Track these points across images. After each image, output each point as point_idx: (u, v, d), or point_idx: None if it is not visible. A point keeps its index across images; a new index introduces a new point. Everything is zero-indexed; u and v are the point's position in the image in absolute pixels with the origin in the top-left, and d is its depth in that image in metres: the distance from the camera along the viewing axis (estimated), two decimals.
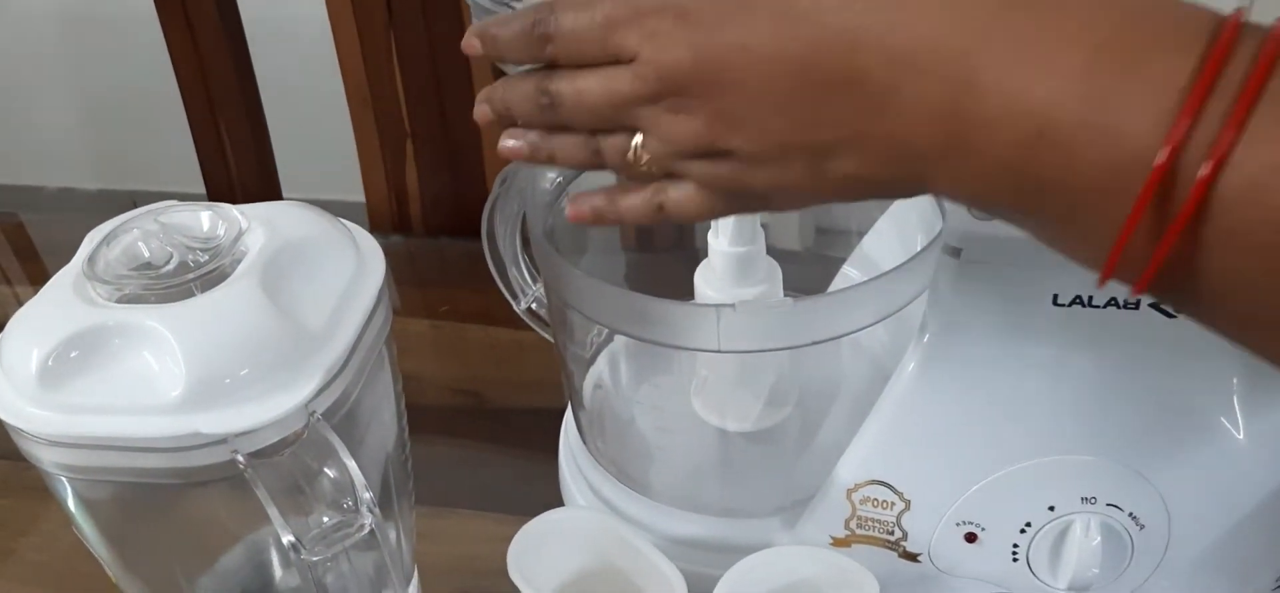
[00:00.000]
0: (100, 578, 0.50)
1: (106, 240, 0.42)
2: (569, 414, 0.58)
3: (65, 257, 0.43)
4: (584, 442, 0.55)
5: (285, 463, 0.39)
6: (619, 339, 0.59)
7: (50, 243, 0.95)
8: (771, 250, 0.50)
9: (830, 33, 0.30)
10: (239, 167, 0.92)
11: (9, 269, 0.92)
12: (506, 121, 0.38)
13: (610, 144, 0.36)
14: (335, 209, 0.48)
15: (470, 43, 0.37)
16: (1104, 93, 0.27)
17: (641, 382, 0.59)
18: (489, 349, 0.76)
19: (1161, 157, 0.26)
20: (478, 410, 0.72)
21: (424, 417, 0.57)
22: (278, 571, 0.53)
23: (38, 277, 0.86)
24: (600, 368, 0.58)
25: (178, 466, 0.39)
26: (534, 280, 0.57)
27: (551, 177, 0.51)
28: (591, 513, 0.52)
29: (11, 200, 1.09)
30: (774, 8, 0.31)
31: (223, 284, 0.40)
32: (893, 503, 0.47)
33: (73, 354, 0.38)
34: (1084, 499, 0.44)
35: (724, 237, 0.48)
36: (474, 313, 0.79)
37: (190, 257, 0.42)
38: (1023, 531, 0.45)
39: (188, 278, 0.40)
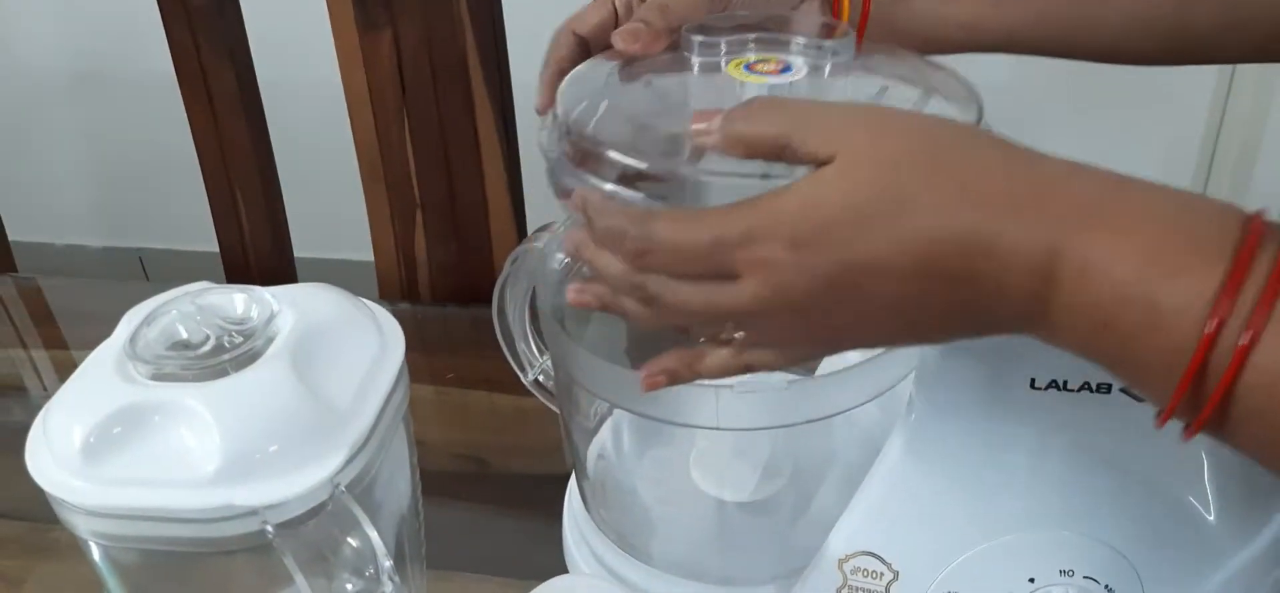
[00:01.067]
0: None
1: (146, 321, 0.45)
2: (573, 482, 0.61)
3: (80, 322, 0.46)
4: (587, 509, 0.58)
5: (311, 533, 0.42)
6: (621, 412, 0.61)
7: (65, 308, 0.98)
8: None
9: (944, 242, 0.34)
10: (253, 230, 0.95)
11: (25, 333, 0.95)
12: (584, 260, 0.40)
13: (703, 346, 0.39)
14: (345, 269, 0.50)
15: (576, 199, 0.39)
16: (1154, 291, 0.32)
17: (643, 453, 0.62)
18: (493, 416, 0.79)
19: (1196, 351, 0.31)
20: (482, 476, 0.74)
21: (429, 481, 0.59)
22: None
23: (52, 340, 0.89)
24: (603, 438, 0.61)
25: (210, 535, 0.41)
26: (541, 353, 0.59)
27: (560, 258, 0.54)
28: (595, 581, 0.55)
29: (20, 256, 1.12)
30: (888, 222, 0.34)
31: (255, 364, 0.43)
32: (882, 574, 0.49)
33: (116, 430, 0.41)
34: (1062, 572, 0.47)
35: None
36: (478, 380, 0.81)
37: (225, 337, 0.44)
38: None
39: (223, 358, 0.43)
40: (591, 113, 0.44)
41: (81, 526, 0.42)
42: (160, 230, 1.81)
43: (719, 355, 0.39)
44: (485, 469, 0.75)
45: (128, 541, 0.43)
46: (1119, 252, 0.33)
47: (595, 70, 0.49)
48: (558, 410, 0.60)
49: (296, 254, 1.00)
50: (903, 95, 0.46)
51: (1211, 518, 0.47)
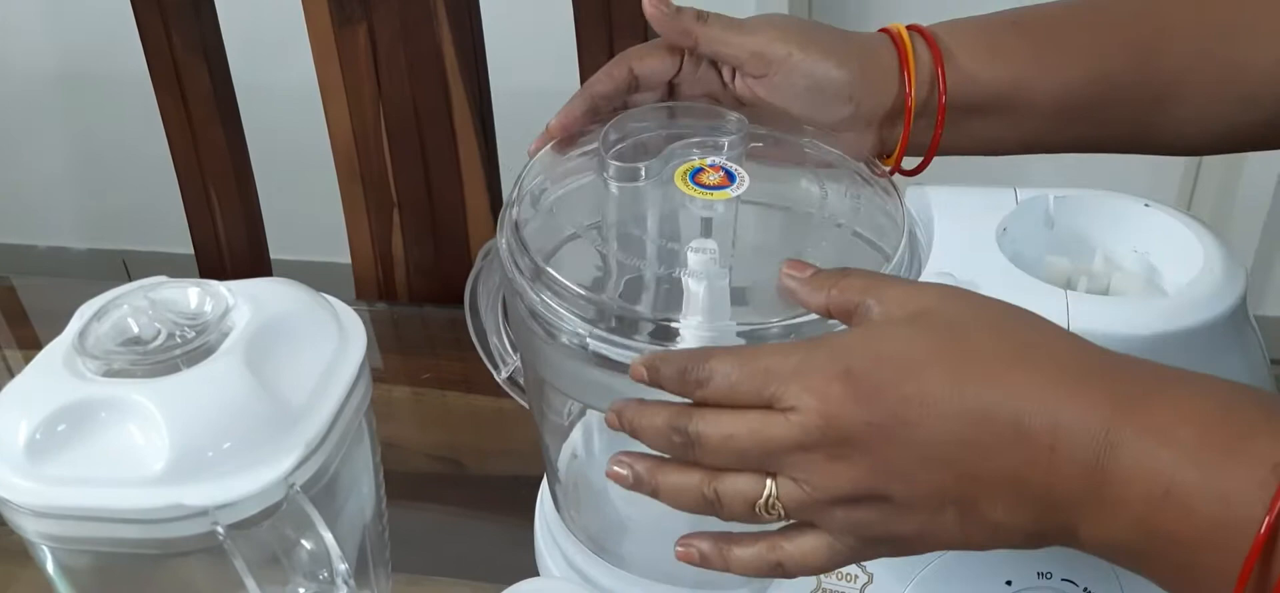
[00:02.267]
0: None
1: (97, 316, 0.44)
2: (545, 485, 0.60)
3: (56, 322, 0.45)
4: (559, 512, 0.57)
5: (264, 535, 0.40)
6: (593, 414, 0.60)
7: (40, 309, 0.96)
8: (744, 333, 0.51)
9: (998, 393, 0.34)
10: (228, 231, 0.94)
11: None
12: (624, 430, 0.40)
13: (733, 490, 0.37)
14: (321, 271, 0.49)
15: (638, 370, 0.39)
16: (1215, 466, 0.32)
17: (616, 450, 0.60)
18: (470, 417, 0.78)
19: (1263, 526, 0.31)
20: (457, 478, 0.73)
21: (404, 483, 0.58)
22: None
23: (28, 341, 0.87)
24: (575, 440, 0.59)
25: (159, 536, 0.40)
26: (514, 351, 0.58)
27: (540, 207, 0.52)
28: (565, 584, 0.53)
29: (2, 258, 1.10)
30: (947, 370, 0.34)
31: (208, 359, 0.42)
32: (856, 577, 0.48)
33: (60, 427, 0.40)
34: (1040, 574, 0.46)
35: (695, 317, 0.49)
36: (455, 380, 0.80)
37: (177, 332, 0.43)
38: None
39: (174, 353, 0.42)
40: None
41: (28, 527, 0.41)
42: (143, 232, 1.79)
43: (754, 549, 0.39)
44: (461, 471, 0.73)
45: (75, 542, 0.41)
46: (1171, 434, 0.33)
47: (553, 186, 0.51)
48: (528, 406, 0.59)
49: (273, 256, 0.98)
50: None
51: None
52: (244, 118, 0.93)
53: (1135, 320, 0.43)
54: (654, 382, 0.38)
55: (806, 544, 0.38)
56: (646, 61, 0.51)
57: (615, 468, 0.40)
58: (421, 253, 0.90)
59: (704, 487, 0.38)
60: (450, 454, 0.75)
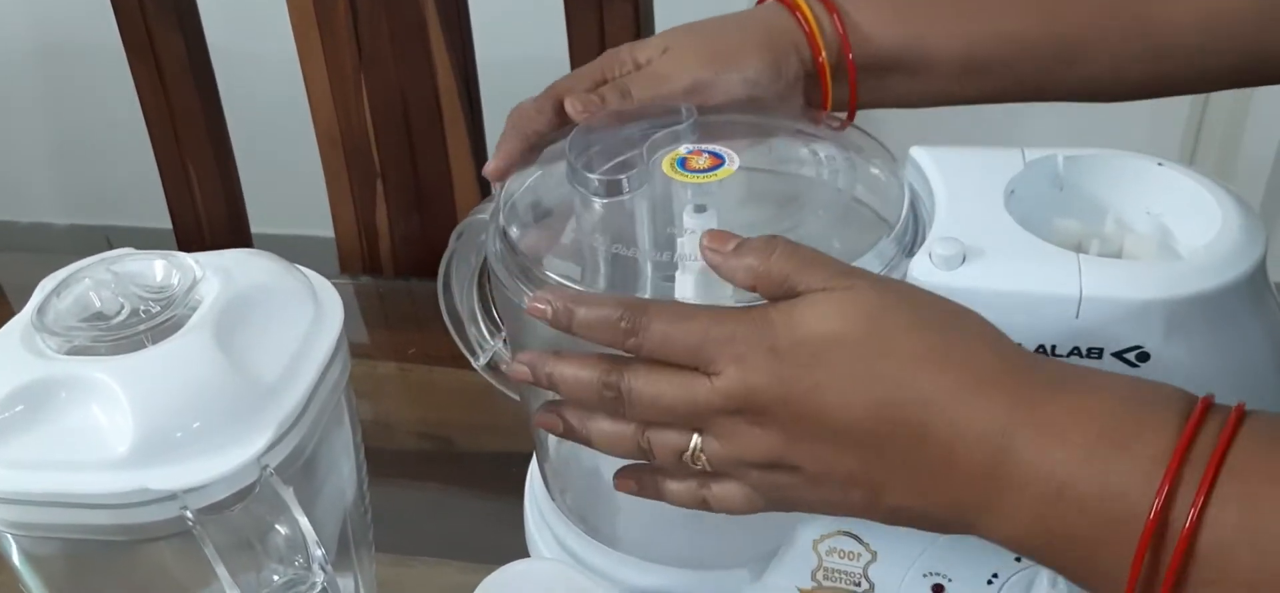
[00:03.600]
0: None
1: (57, 290, 0.41)
2: (534, 464, 0.58)
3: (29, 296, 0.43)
4: (549, 492, 0.55)
5: (236, 519, 0.38)
6: None
7: (18, 284, 0.94)
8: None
9: (906, 390, 0.36)
10: (207, 204, 0.91)
11: None
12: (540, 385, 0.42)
13: (663, 441, 0.40)
14: (304, 245, 0.47)
15: (540, 308, 0.40)
16: (1106, 463, 0.33)
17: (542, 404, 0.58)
18: (458, 393, 0.75)
19: (1151, 513, 0.32)
20: (445, 455, 0.71)
21: (391, 461, 0.56)
22: None
23: (4, 317, 0.85)
24: None
25: (125, 522, 0.38)
26: (492, 336, 0.56)
27: (517, 225, 0.51)
28: (556, 564, 0.52)
29: None
30: (858, 354, 0.36)
31: (175, 335, 0.40)
32: (859, 554, 0.46)
33: (18, 408, 0.38)
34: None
35: (690, 290, 0.47)
36: (443, 355, 0.77)
37: (143, 307, 0.41)
38: (990, 582, 0.45)
39: (139, 329, 0.40)
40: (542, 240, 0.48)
41: None
42: (126, 207, 1.77)
43: (686, 484, 0.41)
44: (448, 448, 0.71)
45: (37, 529, 0.39)
46: (1069, 426, 0.34)
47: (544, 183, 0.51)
48: (514, 395, 0.57)
49: (255, 230, 0.96)
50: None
51: None
52: (221, 87, 0.90)
53: (1149, 285, 0.41)
54: (567, 326, 0.40)
55: (728, 491, 0.40)
56: (573, 103, 0.51)
57: (544, 417, 0.43)
58: (406, 224, 0.87)
59: (638, 437, 0.40)
60: (437, 431, 0.73)
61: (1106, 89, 0.55)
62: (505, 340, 0.56)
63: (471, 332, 0.55)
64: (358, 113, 0.84)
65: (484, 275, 0.55)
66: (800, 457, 0.37)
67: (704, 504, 0.41)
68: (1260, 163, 1.29)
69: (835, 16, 0.53)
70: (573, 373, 0.40)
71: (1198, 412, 0.33)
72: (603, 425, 0.41)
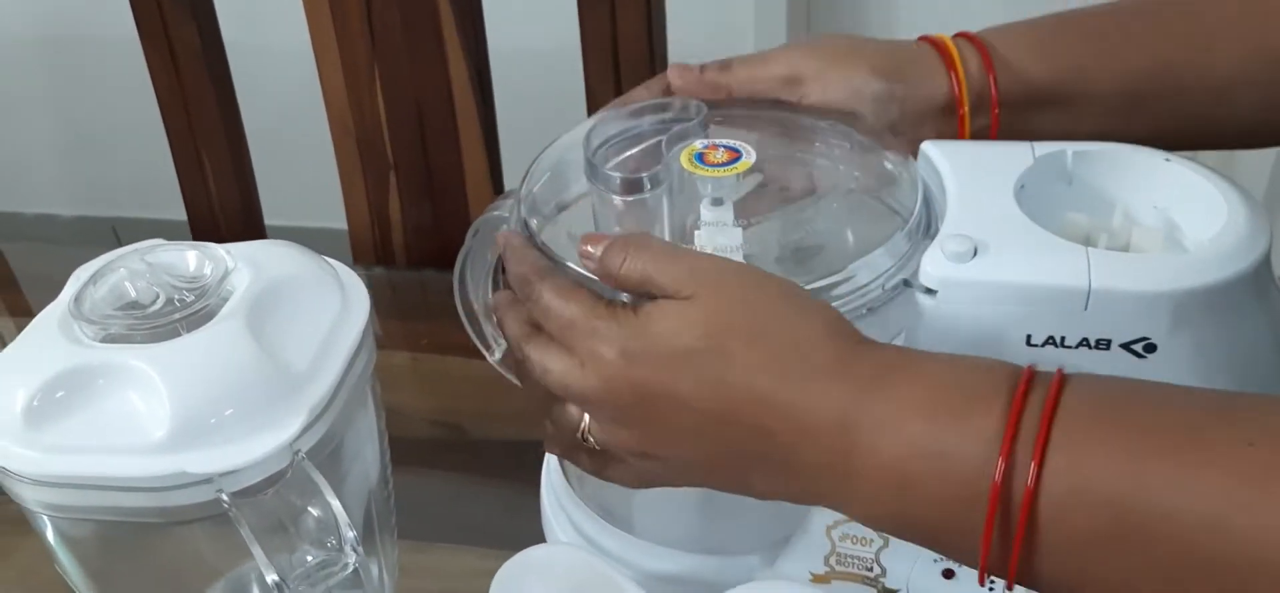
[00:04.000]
0: None
1: (92, 280, 0.42)
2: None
3: (45, 287, 0.44)
4: (566, 478, 0.56)
5: (269, 502, 0.39)
6: None
7: (30, 274, 0.95)
8: None
9: (745, 394, 0.37)
10: (221, 195, 0.92)
11: None
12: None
13: (558, 415, 0.43)
14: (317, 237, 0.48)
15: (503, 235, 0.46)
16: (943, 445, 0.35)
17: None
18: (471, 382, 0.76)
19: (991, 488, 0.34)
20: (459, 443, 0.72)
21: (405, 450, 0.57)
22: None
23: (18, 307, 0.86)
24: None
25: (162, 505, 0.39)
26: None
27: (535, 216, 0.52)
28: (573, 550, 0.53)
29: None
30: (700, 365, 0.38)
31: (208, 324, 0.41)
32: (871, 540, 0.47)
33: (59, 394, 0.39)
34: None
35: None
36: (456, 345, 0.78)
37: (176, 296, 0.42)
38: None
39: (173, 318, 0.41)
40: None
41: (27, 496, 0.40)
42: (134, 199, 1.77)
43: (585, 458, 0.44)
44: (462, 437, 0.73)
45: (76, 511, 0.40)
46: (906, 409, 0.36)
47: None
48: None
49: (268, 222, 0.97)
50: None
51: None
52: (236, 79, 0.91)
53: (1156, 278, 0.42)
54: (504, 264, 0.44)
55: (618, 470, 0.43)
56: (673, 70, 0.53)
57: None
58: (419, 215, 0.88)
59: (543, 409, 0.43)
60: (451, 420, 0.74)
61: (1260, 132, 0.54)
62: None
63: (486, 327, 0.57)
64: (371, 104, 0.85)
65: (499, 271, 0.56)
66: (660, 449, 0.40)
67: (606, 476, 0.43)
68: (1263, 157, 1.30)
69: (981, 51, 0.52)
70: (507, 322, 0.44)
71: (1023, 384, 0.35)
72: (524, 385, 0.44)
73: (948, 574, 0.47)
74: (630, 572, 0.50)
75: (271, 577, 0.38)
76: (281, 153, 1.11)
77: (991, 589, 0.47)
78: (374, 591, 0.42)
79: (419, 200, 0.88)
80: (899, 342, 0.46)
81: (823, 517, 0.48)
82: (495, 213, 0.53)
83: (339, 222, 0.91)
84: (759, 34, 1.32)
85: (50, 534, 0.43)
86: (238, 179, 0.92)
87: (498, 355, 0.58)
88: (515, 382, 0.59)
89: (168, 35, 0.87)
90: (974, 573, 0.47)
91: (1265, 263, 0.44)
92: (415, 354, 0.79)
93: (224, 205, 0.93)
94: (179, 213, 0.96)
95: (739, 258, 0.46)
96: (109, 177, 1.79)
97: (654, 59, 0.83)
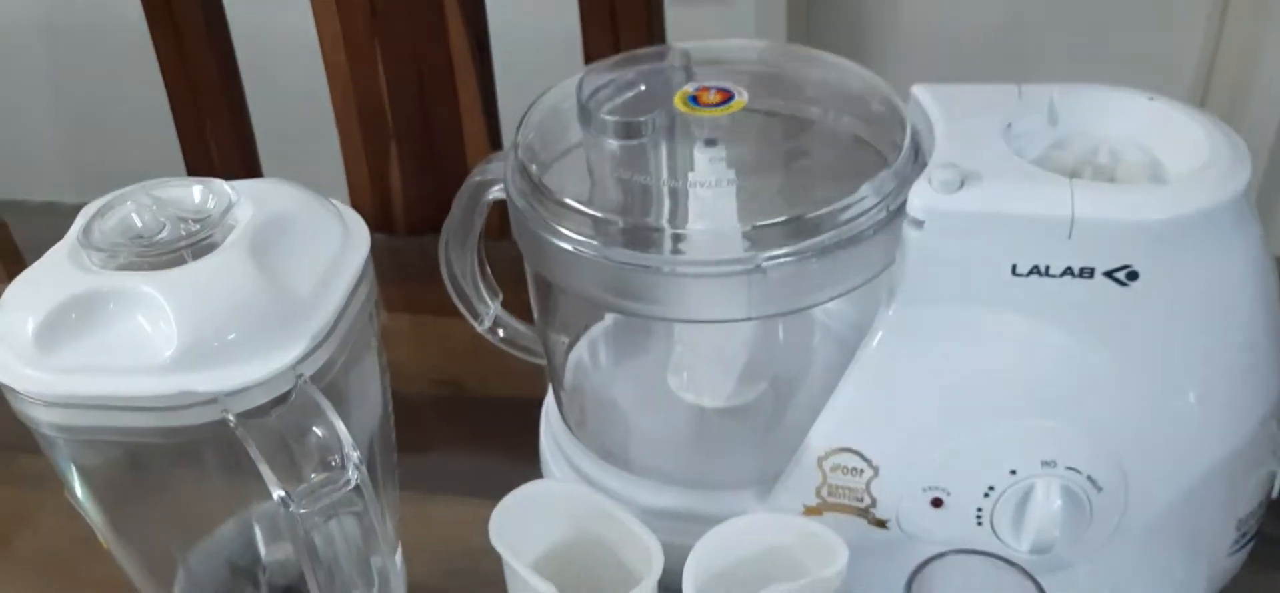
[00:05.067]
0: (99, 571, 0.51)
1: (100, 213, 0.44)
2: (549, 395, 0.60)
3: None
4: (565, 420, 0.57)
5: (274, 423, 0.41)
6: (599, 322, 0.60)
7: (37, 245, 0.96)
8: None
9: None
10: (224, 168, 0.93)
11: None
12: None
13: None
14: None
15: None
16: None
17: (620, 361, 0.61)
18: (473, 343, 0.77)
19: None
20: (460, 399, 0.73)
21: (408, 407, 0.58)
22: (264, 548, 0.54)
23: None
24: (580, 349, 0.60)
25: (170, 424, 0.40)
26: (493, 298, 0.59)
27: (527, 161, 0.52)
28: (571, 485, 0.54)
29: None
30: None
31: (213, 252, 0.42)
32: (862, 471, 0.48)
33: (71, 317, 0.40)
34: (1044, 463, 0.46)
35: (704, 222, 0.49)
36: (455, 309, 0.80)
37: (182, 227, 0.43)
38: (986, 495, 0.47)
39: (179, 246, 0.42)
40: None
41: (40, 417, 0.41)
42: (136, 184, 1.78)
43: None
44: (463, 394, 0.74)
45: (87, 432, 0.42)
46: None
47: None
48: (517, 353, 0.59)
49: None
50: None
51: (1197, 410, 0.47)
52: (238, 52, 0.92)
53: (1138, 207, 0.43)
54: None
55: None
56: None
57: None
58: (420, 184, 0.89)
59: None
60: (453, 379, 0.75)
61: None
62: (503, 301, 0.59)
63: (471, 295, 0.58)
64: (372, 75, 0.86)
65: (484, 239, 0.57)
66: None
67: None
68: (1267, 120, 1.31)
69: None
70: None
71: None
72: None
73: (936, 503, 0.48)
74: (627, 507, 0.51)
75: (277, 493, 0.39)
76: (285, 128, 1.12)
77: (981, 522, 0.48)
78: (376, 513, 0.42)
79: (420, 169, 0.89)
80: (884, 278, 0.47)
81: (815, 449, 0.49)
82: (477, 180, 0.54)
83: (340, 194, 0.92)
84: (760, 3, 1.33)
85: (67, 465, 0.44)
86: (241, 152, 0.93)
87: (486, 323, 0.59)
88: (503, 348, 0.61)
89: (173, 15, 0.88)
90: (963, 503, 0.48)
91: (1245, 196, 0.45)
92: (417, 317, 0.80)
93: (227, 173, 0.94)
94: None
95: (732, 193, 0.47)
96: (114, 163, 1.80)
97: (652, 31, 0.84)
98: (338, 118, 0.88)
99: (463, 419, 0.72)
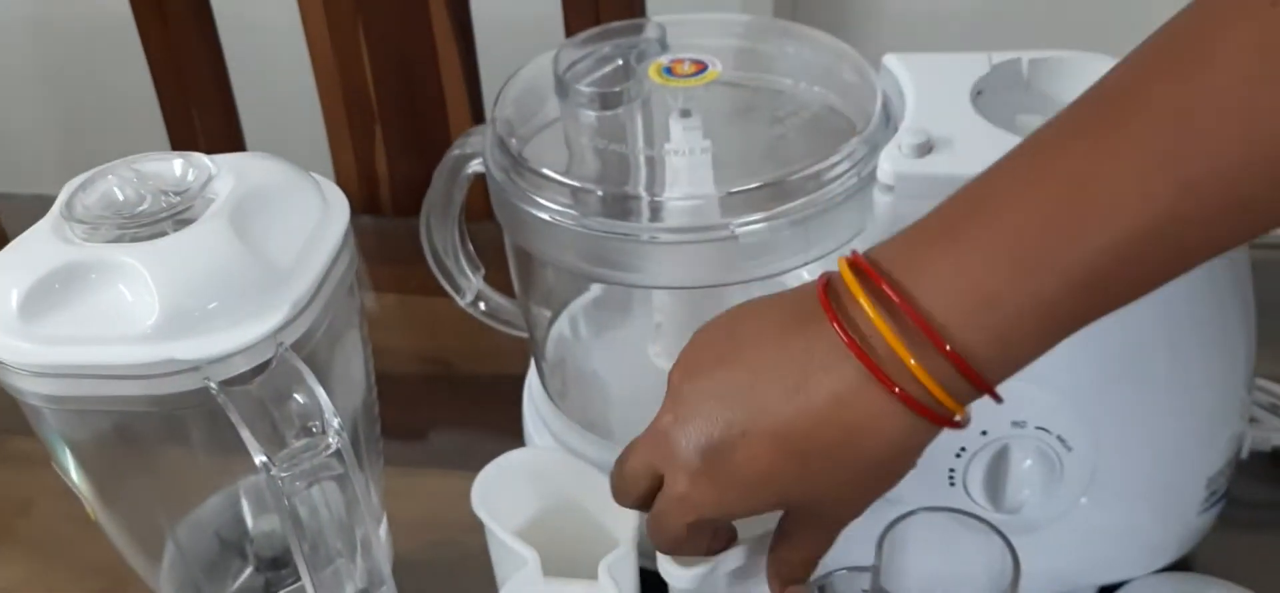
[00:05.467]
0: (95, 557, 0.51)
1: (82, 187, 0.44)
2: (531, 367, 0.60)
3: None
4: (547, 392, 0.58)
5: (255, 391, 0.41)
6: (580, 296, 0.61)
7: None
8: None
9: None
10: (210, 146, 0.94)
11: None
12: None
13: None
14: None
15: None
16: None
17: (601, 332, 0.61)
18: (458, 322, 0.78)
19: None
20: (447, 377, 0.74)
21: (395, 385, 0.59)
22: (251, 520, 0.55)
23: None
24: (561, 323, 0.60)
25: (154, 393, 0.41)
26: (474, 272, 0.59)
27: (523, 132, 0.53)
28: (553, 452, 0.55)
29: None
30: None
31: (193, 224, 0.43)
32: None
33: (55, 287, 0.41)
34: (1014, 423, 0.47)
35: (680, 188, 0.50)
36: (442, 288, 0.81)
37: (163, 200, 0.44)
38: (958, 455, 0.48)
39: (160, 218, 0.43)
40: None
41: (26, 388, 0.42)
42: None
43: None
44: (448, 371, 0.74)
45: (72, 402, 0.42)
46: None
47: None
48: (501, 326, 0.60)
49: None
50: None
51: (1167, 372, 0.47)
52: (225, 43, 0.92)
53: None
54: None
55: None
56: None
57: None
58: (405, 166, 0.90)
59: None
60: (439, 356, 0.76)
61: None
62: (485, 277, 0.60)
63: (452, 268, 0.58)
64: (356, 58, 0.86)
65: (464, 214, 0.58)
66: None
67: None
68: None
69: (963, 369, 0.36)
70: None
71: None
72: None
73: None
74: (607, 474, 0.51)
75: (259, 458, 0.40)
76: (271, 114, 1.12)
77: (954, 483, 0.49)
78: (359, 482, 0.43)
79: (405, 152, 0.90)
80: (856, 244, 0.48)
81: None
82: (457, 153, 0.55)
83: (327, 177, 0.93)
84: None
85: (55, 439, 0.45)
86: (227, 133, 0.93)
87: (468, 297, 0.60)
88: (486, 321, 0.61)
89: (160, 1, 0.88)
90: (935, 464, 0.49)
91: None
92: (404, 297, 0.81)
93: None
94: None
95: (707, 161, 0.48)
96: (99, 156, 1.80)
97: (633, 7, 0.85)
98: (323, 102, 0.89)
99: (449, 397, 0.72)
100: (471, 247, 0.59)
